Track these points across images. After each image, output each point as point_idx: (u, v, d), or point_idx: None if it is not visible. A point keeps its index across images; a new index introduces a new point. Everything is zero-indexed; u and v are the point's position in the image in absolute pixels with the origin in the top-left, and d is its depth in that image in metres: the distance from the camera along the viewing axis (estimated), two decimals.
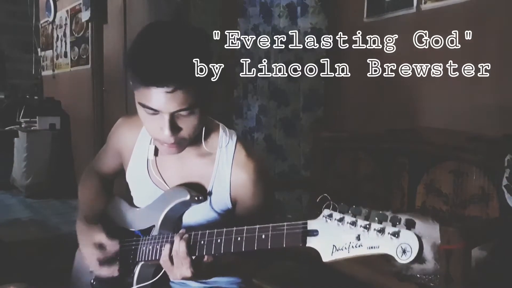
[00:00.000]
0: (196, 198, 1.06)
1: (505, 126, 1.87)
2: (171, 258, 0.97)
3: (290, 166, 2.86)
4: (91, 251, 1.12)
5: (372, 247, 0.72)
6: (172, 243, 0.98)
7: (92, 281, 1.16)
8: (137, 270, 1.09)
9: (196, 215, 1.10)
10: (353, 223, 0.74)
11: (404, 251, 0.69)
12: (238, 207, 1.11)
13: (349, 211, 0.76)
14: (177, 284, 1.18)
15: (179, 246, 0.95)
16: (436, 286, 1.51)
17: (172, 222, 1.10)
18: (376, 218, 0.73)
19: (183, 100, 0.94)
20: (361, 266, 1.70)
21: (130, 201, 1.23)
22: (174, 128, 0.97)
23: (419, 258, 0.68)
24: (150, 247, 1.06)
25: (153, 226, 1.10)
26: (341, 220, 0.76)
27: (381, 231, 0.71)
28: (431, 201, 1.98)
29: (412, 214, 0.70)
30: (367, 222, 0.73)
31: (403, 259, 0.69)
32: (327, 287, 1.91)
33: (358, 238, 0.73)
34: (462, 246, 1.38)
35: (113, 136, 1.26)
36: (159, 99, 0.93)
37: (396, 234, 0.70)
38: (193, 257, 0.96)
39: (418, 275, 1.58)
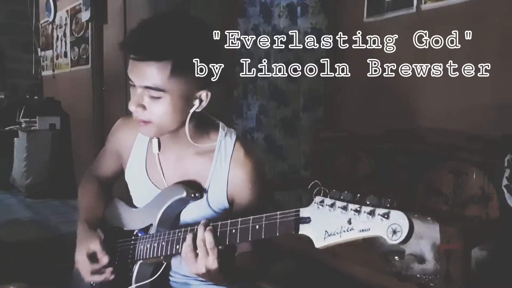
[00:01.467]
0: (192, 195, 1.07)
1: (505, 126, 1.87)
2: (194, 250, 0.94)
3: (290, 166, 2.86)
4: (83, 260, 1.11)
5: (363, 230, 0.72)
6: (195, 234, 0.94)
7: (91, 282, 1.16)
8: (135, 269, 1.09)
9: (194, 213, 1.10)
10: (344, 208, 0.74)
11: (394, 232, 0.69)
12: (235, 206, 1.11)
13: (341, 197, 0.76)
14: (178, 284, 1.18)
15: (206, 235, 0.92)
16: (436, 286, 1.51)
17: (170, 220, 1.10)
18: (367, 202, 0.73)
19: (153, 77, 0.97)
20: (361, 266, 1.70)
21: (129, 201, 1.23)
22: (139, 104, 1.00)
23: (410, 237, 0.68)
24: (148, 245, 1.06)
25: (151, 224, 1.10)
26: (332, 205, 0.76)
27: (372, 213, 0.71)
28: (431, 201, 1.98)
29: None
30: (358, 206, 0.73)
31: (394, 240, 0.69)
32: (327, 287, 1.91)
33: (350, 222, 0.73)
34: (462, 246, 1.38)
35: (112, 137, 1.26)
36: (133, 69, 0.98)
37: (386, 215, 0.70)
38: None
39: (418, 275, 1.58)
